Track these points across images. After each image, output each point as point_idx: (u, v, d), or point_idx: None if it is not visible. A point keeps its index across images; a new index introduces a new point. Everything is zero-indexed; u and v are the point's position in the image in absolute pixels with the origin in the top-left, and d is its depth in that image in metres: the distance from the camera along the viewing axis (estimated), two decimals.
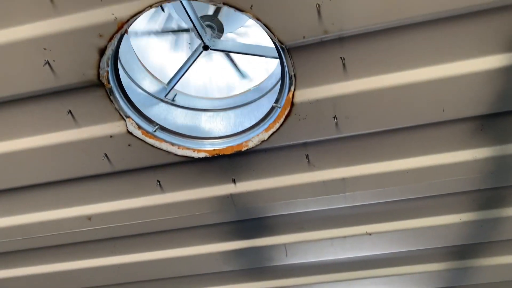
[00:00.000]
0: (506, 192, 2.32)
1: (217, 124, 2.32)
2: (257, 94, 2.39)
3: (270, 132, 2.02)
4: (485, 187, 2.28)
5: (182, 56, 2.74)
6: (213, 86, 2.65)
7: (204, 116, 2.37)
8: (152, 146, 2.07)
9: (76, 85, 1.82)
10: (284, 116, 1.95)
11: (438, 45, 1.71)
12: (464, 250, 2.71)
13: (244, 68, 2.69)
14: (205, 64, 2.70)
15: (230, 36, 2.69)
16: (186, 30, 2.52)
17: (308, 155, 2.15)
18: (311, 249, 2.68)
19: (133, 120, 2.00)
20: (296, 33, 1.64)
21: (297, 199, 2.34)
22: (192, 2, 1.99)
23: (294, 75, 1.80)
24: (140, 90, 2.23)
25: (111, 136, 2.01)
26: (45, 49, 1.69)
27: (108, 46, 1.67)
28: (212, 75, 2.73)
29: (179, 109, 2.36)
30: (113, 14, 1.59)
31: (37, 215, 2.44)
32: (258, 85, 2.52)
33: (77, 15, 1.60)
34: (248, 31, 2.85)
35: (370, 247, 2.68)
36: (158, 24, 2.58)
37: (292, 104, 1.89)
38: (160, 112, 2.24)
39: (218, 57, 2.74)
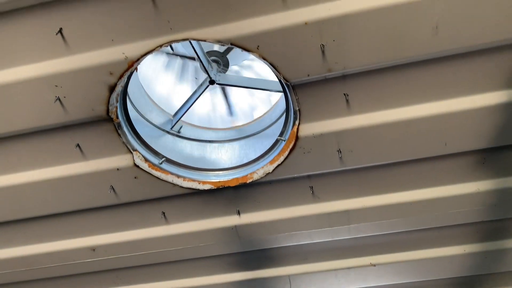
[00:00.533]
0: (510, 223, 2.32)
1: (222, 155, 2.35)
2: (261, 126, 2.43)
3: (275, 164, 2.05)
4: (488, 219, 2.29)
5: (187, 87, 2.81)
6: (217, 117, 2.70)
7: (209, 147, 2.41)
8: (158, 178, 2.09)
9: (85, 120, 1.86)
10: (288, 149, 1.97)
11: (440, 82, 1.75)
12: (468, 281, 2.70)
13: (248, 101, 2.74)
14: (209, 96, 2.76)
15: (234, 69, 2.75)
16: (192, 58, 2.57)
17: (312, 187, 2.17)
18: (315, 280, 2.67)
19: (140, 153, 2.03)
20: (301, 71, 1.69)
21: (301, 231, 2.34)
22: None
23: (299, 110, 1.84)
24: (147, 123, 2.27)
25: (118, 169, 2.04)
26: (56, 86, 1.73)
27: (118, 83, 1.72)
28: (215, 106, 2.78)
29: (185, 141, 2.39)
30: (123, 53, 1.64)
31: (41, 246, 2.43)
32: (262, 116, 2.56)
33: (89, 53, 1.65)
34: (252, 64, 2.92)
35: (375, 278, 2.67)
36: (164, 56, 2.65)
37: (297, 137, 1.92)
38: (166, 144, 2.28)
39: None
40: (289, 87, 1.77)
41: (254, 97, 2.78)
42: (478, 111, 1.81)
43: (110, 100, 1.78)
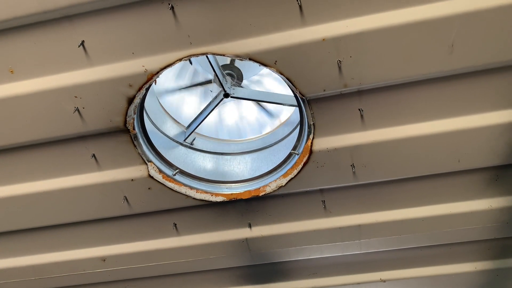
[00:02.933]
0: None
1: (234, 168, 2.37)
2: (274, 139, 2.45)
3: (288, 178, 2.06)
4: (500, 236, 2.28)
5: (196, 96, 2.84)
6: (228, 129, 2.72)
7: (222, 159, 2.42)
8: (172, 189, 2.11)
9: (102, 130, 1.88)
10: (302, 163, 1.99)
11: (454, 99, 1.77)
12: None
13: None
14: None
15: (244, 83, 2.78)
16: (208, 82, 2.61)
17: (324, 201, 2.17)
18: None
19: (154, 164, 2.04)
20: (317, 86, 1.72)
21: (312, 245, 2.34)
22: None
23: (313, 124, 1.86)
24: (161, 134, 2.29)
25: (132, 180, 2.05)
26: (76, 97, 1.76)
27: (136, 95, 1.75)
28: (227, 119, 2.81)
29: (198, 153, 2.41)
30: (143, 66, 1.67)
31: (52, 256, 2.44)
32: (274, 130, 2.59)
33: (109, 66, 1.69)
34: (261, 79, 2.95)
35: None
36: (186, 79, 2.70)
37: (311, 152, 1.94)
38: (180, 155, 2.29)
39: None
40: (304, 102, 1.79)
41: (264, 111, 2.80)
42: (492, 129, 1.82)
43: (128, 111, 1.81)
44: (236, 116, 2.84)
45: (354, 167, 1.98)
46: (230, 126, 2.80)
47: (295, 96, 1.84)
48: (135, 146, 1.96)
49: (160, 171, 2.07)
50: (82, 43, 1.64)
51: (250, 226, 2.28)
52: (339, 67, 1.65)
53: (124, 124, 1.86)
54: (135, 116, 1.86)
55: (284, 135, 2.38)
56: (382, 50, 1.62)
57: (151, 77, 1.70)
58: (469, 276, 2.50)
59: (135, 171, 2.04)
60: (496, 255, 2.41)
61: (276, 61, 1.64)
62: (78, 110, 1.80)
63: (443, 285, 2.58)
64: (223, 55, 1.65)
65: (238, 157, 2.44)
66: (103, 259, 2.43)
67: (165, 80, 2.70)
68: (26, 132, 1.88)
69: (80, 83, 1.72)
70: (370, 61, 1.64)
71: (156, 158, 2.08)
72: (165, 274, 2.56)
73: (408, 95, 1.77)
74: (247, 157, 2.44)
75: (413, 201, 2.15)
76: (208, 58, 2.01)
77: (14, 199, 2.14)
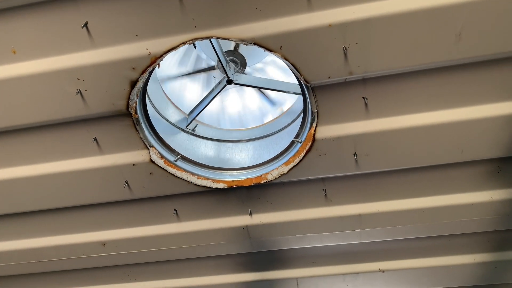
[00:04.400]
0: None
1: (235, 155, 2.36)
2: (276, 128, 2.44)
3: (290, 166, 2.05)
4: (500, 229, 2.28)
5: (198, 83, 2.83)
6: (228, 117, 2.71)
7: (223, 147, 2.41)
8: (173, 175, 2.10)
9: (105, 114, 1.87)
10: (304, 151, 1.98)
11: (459, 89, 1.76)
12: None
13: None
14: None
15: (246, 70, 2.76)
16: (211, 68, 2.58)
17: (325, 190, 2.17)
18: (323, 284, 2.66)
19: (156, 149, 2.04)
20: (322, 73, 1.70)
21: (312, 233, 2.34)
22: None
23: (317, 112, 1.85)
24: (163, 120, 2.28)
25: (134, 164, 2.05)
26: (78, 79, 1.74)
27: (140, 78, 1.73)
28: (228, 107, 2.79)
29: (199, 139, 2.40)
30: (147, 49, 1.66)
31: (52, 239, 2.44)
32: (276, 118, 2.57)
33: (112, 48, 1.67)
34: (264, 67, 2.93)
35: (382, 285, 2.66)
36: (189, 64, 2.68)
37: (314, 140, 1.93)
38: (181, 142, 2.28)
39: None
40: (308, 89, 1.78)
41: (267, 100, 2.78)
42: (497, 120, 1.82)
43: (131, 95, 1.80)
44: (238, 105, 2.82)
45: (356, 156, 1.97)
46: (232, 115, 2.78)
47: (299, 83, 1.82)
48: (137, 130, 1.95)
49: (162, 157, 2.06)
50: (86, 24, 1.62)
51: (250, 213, 2.28)
52: (345, 54, 1.64)
53: (127, 108, 1.85)
54: (137, 100, 1.85)
55: (287, 124, 2.37)
56: (388, 37, 1.60)
57: (155, 60, 1.68)
58: (467, 268, 2.51)
59: (136, 156, 2.03)
60: (496, 248, 2.41)
61: (281, 47, 1.63)
62: (81, 93, 1.78)
63: (442, 277, 2.59)
64: (228, 39, 1.63)
65: (240, 145, 2.43)
66: (103, 243, 2.43)
67: (167, 66, 2.69)
68: (28, 114, 1.87)
69: (82, 65, 1.70)
70: (376, 49, 1.63)
71: (158, 143, 2.07)
72: (165, 260, 2.56)
73: (413, 84, 1.76)
74: (249, 145, 2.43)
75: (414, 191, 2.15)
76: (212, 43, 1.99)
77: (14, 181, 2.14)
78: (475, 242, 2.39)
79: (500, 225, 2.26)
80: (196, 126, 2.42)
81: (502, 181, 2.08)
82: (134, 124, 1.92)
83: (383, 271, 2.56)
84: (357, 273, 2.58)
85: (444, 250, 2.45)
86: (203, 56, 2.81)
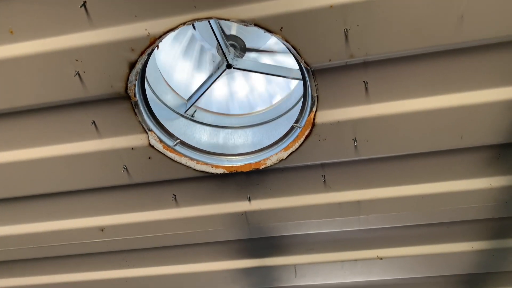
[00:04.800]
0: None
1: (235, 141, 2.35)
2: (275, 114, 2.43)
3: (289, 151, 2.04)
4: (498, 216, 2.29)
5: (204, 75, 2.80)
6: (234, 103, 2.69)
7: (223, 132, 2.40)
8: (172, 160, 2.09)
9: (103, 96, 1.85)
10: (304, 136, 1.97)
11: (460, 74, 1.75)
12: (474, 279, 2.70)
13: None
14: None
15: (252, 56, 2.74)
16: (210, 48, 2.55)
17: (324, 176, 2.17)
18: (321, 271, 2.67)
19: (155, 133, 2.02)
20: (322, 56, 1.69)
21: (310, 220, 2.34)
22: (218, 21, 2.05)
23: (317, 96, 1.84)
24: (162, 105, 2.26)
25: (132, 148, 2.04)
26: (77, 60, 1.73)
27: (138, 60, 1.72)
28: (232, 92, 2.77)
29: (198, 125, 2.39)
30: (146, 29, 1.64)
31: (50, 224, 2.44)
32: (275, 104, 2.56)
33: (111, 28, 1.65)
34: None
35: (380, 272, 2.67)
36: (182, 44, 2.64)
37: (313, 124, 1.92)
38: (180, 127, 2.27)
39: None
40: (309, 72, 1.77)
41: (271, 84, 2.76)
42: (497, 105, 1.81)
43: (130, 77, 1.78)
44: (237, 91, 2.80)
45: (356, 141, 1.96)
46: (232, 101, 2.76)
47: (300, 66, 1.81)
48: (135, 114, 1.94)
49: (161, 141, 2.05)
50: (84, 4, 1.60)
51: (249, 199, 2.28)
52: (346, 36, 1.62)
53: (125, 90, 1.83)
54: (136, 82, 1.84)
55: (287, 109, 2.36)
56: (390, 19, 1.59)
57: (154, 41, 1.66)
58: (465, 255, 2.51)
59: (135, 140, 2.02)
60: (493, 235, 2.42)
61: (282, 28, 1.61)
62: (79, 74, 1.77)
63: (439, 265, 2.60)
64: (228, 20, 1.61)
65: (240, 131, 2.42)
66: (102, 229, 2.43)
67: (167, 53, 2.66)
68: (25, 96, 1.85)
69: (81, 45, 1.68)
70: (378, 31, 1.61)
71: (156, 127, 2.06)
72: (163, 246, 2.56)
73: (414, 69, 1.75)
74: (249, 131, 2.42)
75: (414, 178, 2.15)
76: (211, 26, 1.97)
77: (11, 165, 2.12)
78: (473, 229, 2.39)
79: (499, 212, 2.26)
80: (195, 111, 2.41)
81: (501, 168, 2.08)
82: (133, 107, 1.91)
83: (381, 259, 2.57)
84: (355, 260, 2.59)
85: (442, 237, 2.46)
86: (206, 46, 2.77)
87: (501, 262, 2.56)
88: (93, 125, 1.97)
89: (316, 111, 1.89)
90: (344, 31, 1.61)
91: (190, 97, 2.38)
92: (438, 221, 2.35)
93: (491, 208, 2.23)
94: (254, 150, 2.20)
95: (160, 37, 1.66)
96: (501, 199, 2.18)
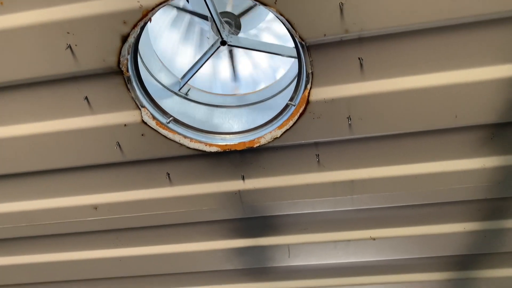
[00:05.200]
0: None
1: (229, 120, 2.34)
2: (270, 93, 2.41)
3: (284, 129, 2.04)
4: (491, 197, 2.29)
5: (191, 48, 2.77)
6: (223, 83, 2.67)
7: (217, 111, 2.39)
8: (165, 137, 2.08)
9: (95, 71, 1.83)
10: (298, 114, 1.96)
11: (456, 51, 1.73)
12: (466, 260, 2.72)
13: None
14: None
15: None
16: (204, 17, 2.49)
17: (318, 155, 2.16)
18: (314, 251, 2.68)
19: (148, 110, 2.01)
20: (317, 30, 1.67)
21: (304, 199, 2.35)
22: None
23: (312, 73, 1.83)
24: (155, 82, 2.24)
25: (125, 125, 2.02)
26: (68, 33, 1.70)
27: (131, 33, 1.69)
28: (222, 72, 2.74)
29: (192, 104, 2.37)
30: (138, 1, 1.61)
31: (43, 202, 2.43)
32: (271, 84, 2.54)
33: (103, 0, 1.62)
34: (258, 34, 2.88)
35: (373, 253, 2.68)
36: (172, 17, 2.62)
37: (308, 102, 1.91)
38: (173, 105, 2.26)
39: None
40: (303, 48, 1.75)
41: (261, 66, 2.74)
42: (493, 83, 1.80)
43: (122, 51, 1.76)
44: (233, 70, 2.78)
45: (350, 119, 1.96)
46: (227, 80, 2.74)
47: (294, 41, 1.79)
48: (128, 89, 1.92)
49: (154, 118, 2.03)
50: None
51: (243, 178, 2.28)
52: (341, 10, 1.60)
53: (118, 65, 1.81)
54: (129, 56, 1.81)
55: (282, 89, 2.34)
56: None
57: (146, 13, 1.64)
58: (457, 236, 2.53)
59: (128, 116, 2.01)
60: (486, 216, 2.43)
61: (276, 1, 1.59)
62: (71, 47, 1.74)
63: (432, 245, 2.61)
64: None
65: (234, 110, 2.41)
66: (95, 207, 2.42)
67: (160, 30, 2.63)
68: (16, 70, 1.83)
69: (72, 18, 1.66)
70: (373, 6, 1.60)
71: (149, 104, 2.04)
72: (157, 225, 2.56)
73: (409, 45, 1.74)
74: (243, 110, 2.41)
75: (407, 158, 2.15)
76: (205, 1, 1.94)
77: (0, 142, 2.11)
78: (465, 210, 2.40)
79: (491, 193, 2.27)
80: (189, 90, 2.39)
81: (495, 148, 2.08)
82: (126, 82, 1.89)
83: (374, 239, 2.58)
84: (349, 240, 2.60)
85: (435, 218, 2.47)
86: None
87: (493, 244, 2.58)
88: (86, 100, 1.95)
89: (310, 88, 1.88)
90: (339, 5, 1.59)
91: (184, 75, 2.36)
92: (431, 202, 2.36)
93: (484, 189, 2.24)
94: (248, 128, 2.18)
95: (153, 9, 1.63)
96: (494, 180, 2.18)
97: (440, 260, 2.72)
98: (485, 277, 2.80)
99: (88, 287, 3.03)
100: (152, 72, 2.24)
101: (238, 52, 2.66)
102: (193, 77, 2.35)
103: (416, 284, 2.91)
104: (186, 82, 2.32)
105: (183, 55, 2.72)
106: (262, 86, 2.58)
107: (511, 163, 2.11)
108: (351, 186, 2.26)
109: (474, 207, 2.39)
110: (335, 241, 2.62)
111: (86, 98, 1.94)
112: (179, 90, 2.33)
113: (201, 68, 2.30)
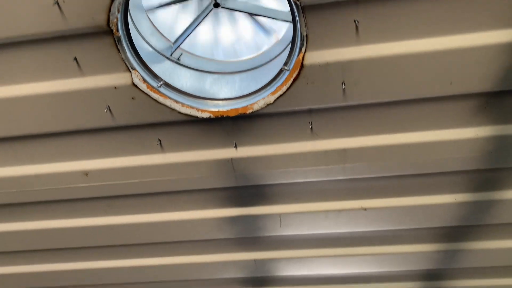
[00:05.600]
0: (503, 174, 2.34)
1: (221, 87, 2.30)
2: (264, 60, 2.37)
3: (277, 95, 2.01)
4: (483, 168, 2.30)
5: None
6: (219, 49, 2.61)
7: (209, 78, 2.35)
8: (156, 101, 2.04)
9: (84, 30, 1.78)
10: (292, 79, 1.93)
11: (454, 15, 1.70)
12: (456, 232, 2.75)
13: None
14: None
15: None
16: None
17: (312, 122, 2.14)
18: (306, 220, 2.70)
19: (138, 72, 1.97)
20: None
21: (296, 168, 2.34)
22: None
23: (306, 35, 1.79)
24: (147, 45, 2.19)
25: (115, 88, 1.98)
26: None
27: None
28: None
29: (184, 69, 2.33)
30: None
31: (33, 167, 2.40)
32: (264, 51, 2.50)
33: None
34: None
35: (364, 223, 2.70)
36: None
37: (302, 66, 1.88)
38: (165, 70, 2.21)
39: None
40: (298, 9, 1.71)
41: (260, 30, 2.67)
42: (490, 49, 1.78)
43: (112, 8, 1.70)
44: (229, 36, 2.71)
45: (344, 84, 1.93)
46: (222, 47, 2.68)
47: (289, 2, 1.75)
48: (118, 50, 1.87)
49: (144, 81, 1.99)
50: None
51: (235, 146, 2.26)
52: None
53: (107, 24, 1.76)
54: (119, 15, 1.76)
55: (276, 55, 2.30)
56: None
57: None
58: (448, 207, 2.54)
59: (118, 78, 1.97)
60: (476, 188, 2.44)
61: None
62: (58, 3, 1.69)
63: (422, 216, 2.63)
64: None
65: (227, 76, 2.37)
66: (86, 173, 2.40)
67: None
68: (0, 27, 1.77)
69: None
70: None
71: (140, 66, 2.00)
72: (148, 193, 2.55)
73: (405, 9, 1.70)
74: (236, 76, 2.37)
75: (400, 127, 2.14)
76: None
77: None
78: (456, 181, 2.41)
79: (483, 163, 2.27)
80: (181, 55, 2.34)
81: (488, 118, 2.07)
82: (116, 43, 1.84)
83: (365, 209, 2.60)
84: (340, 210, 2.61)
85: (426, 189, 2.48)
86: None
87: (482, 215, 2.61)
88: (75, 61, 1.91)
89: (305, 52, 1.85)
90: None
91: (177, 39, 2.31)
92: (422, 172, 2.36)
93: (476, 159, 2.24)
94: (241, 95, 2.15)
95: None
96: (486, 150, 2.18)
97: (430, 231, 2.75)
98: (474, 249, 2.83)
99: (79, 255, 3.04)
100: (143, 36, 2.19)
101: (239, 17, 2.58)
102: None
103: (406, 256, 2.94)
104: (178, 46, 2.27)
105: (181, 23, 2.65)
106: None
107: (504, 133, 2.11)
108: (343, 155, 2.25)
109: (466, 178, 2.40)
110: (326, 211, 2.63)
111: (76, 59, 1.90)
112: (171, 54, 2.29)
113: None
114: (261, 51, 2.48)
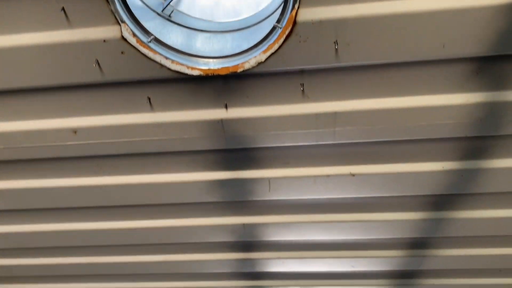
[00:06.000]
0: (493, 142, 2.35)
1: (213, 45, 2.27)
2: (257, 19, 2.33)
3: (268, 53, 1.98)
4: (471, 135, 2.31)
5: None
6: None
7: (200, 36, 2.31)
8: (146, 56, 2.01)
9: None
10: (284, 36, 1.90)
11: None
12: (442, 200, 2.78)
13: None
14: None
15: None
16: None
17: (303, 84, 2.13)
18: (294, 185, 2.71)
19: (128, 26, 1.92)
20: None
21: (286, 131, 2.33)
22: None
23: None
24: (138, 1, 2.14)
25: (104, 41, 1.94)
26: None
27: None
28: None
29: (175, 26, 2.29)
30: None
31: (20, 124, 2.37)
32: (257, 12, 2.45)
33: None
34: None
35: (352, 189, 2.72)
36: None
37: (295, 23, 1.85)
38: (156, 26, 2.17)
39: None
40: None
41: None
42: (484, 11, 1.76)
43: None
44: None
45: (337, 44, 1.91)
46: (222, 7, 2.62)
47: None
48: (108, 2, 1.83)
49: (134, 35, 1.95)
50: None
51: (226, 107, 2.24)
52: None
53: None
54: None
55: (268, 14, 2.26)
56: None
57: None
58: (435, 175, 2.56)
59: (107, 32, 1.93)
60: (464, 156, 2.46)
61: None
62: None
63: (410, 183, 2.65)
64: None
65: (219, 35, 2.33)
66: (74, 131, 2.38)
67: None
68: None
69: None
70: None
71: (130, 20, 1.96)
72: (138, 153, 2.54)
73: None
74: (228, 35, 2.33)
75: (392, 90, 2.13)
76: None
77: None
78: (445, 148, 2.42)
79: (472, 131, 2.28)
80: (172, 11, 2.29)
81: (479, 84, 2.07)
82: None
83: (354, 175, 2.61)
84: (328, 175, 2.62)
85: (414, 156, 2.49)
86: None
87: (469, 184, 2.63)
88: (63, 12, 1.86)
89: (298, 8, 1.81)
90: None
91: None
92: (411, 138, 2.37)
93: (465, 126, 2.25)
94: (232, 53, 2.12)
95: None
96: (475, 116, 2.19)
97: (417, 199, 2.78)
98: (460, 217, 2.87)
99: (67, 216, 3.04)
100: None
101: None
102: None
103: (392, 223, 2.98)
104: (170, 3, 2.22)
105: None
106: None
107: (494, 99, 2.11)
108: (334, 118, 2.25)
109: (454, 146, 2.41)
110: (315, 176, 2.64)
111: (63, 9, 1.85)
112: (162, 10, 2.24)
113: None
114: (253, 13, 2.42)
